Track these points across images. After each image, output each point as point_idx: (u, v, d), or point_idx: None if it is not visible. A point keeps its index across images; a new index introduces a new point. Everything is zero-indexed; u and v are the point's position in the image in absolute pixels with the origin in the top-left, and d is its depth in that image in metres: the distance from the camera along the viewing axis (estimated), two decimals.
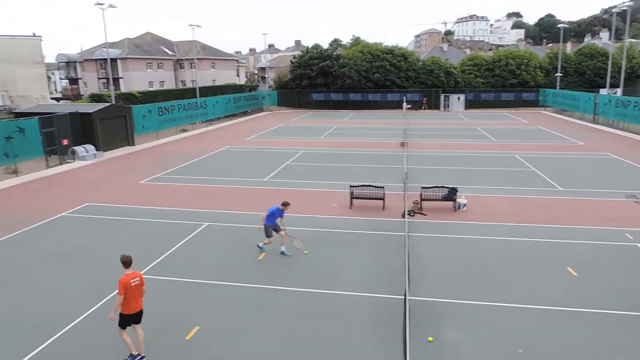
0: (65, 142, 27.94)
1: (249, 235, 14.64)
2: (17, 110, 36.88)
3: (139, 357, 8.55)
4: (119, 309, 8.33)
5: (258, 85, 72.71)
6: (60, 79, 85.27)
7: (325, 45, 75.57)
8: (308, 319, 9.91)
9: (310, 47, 67.04)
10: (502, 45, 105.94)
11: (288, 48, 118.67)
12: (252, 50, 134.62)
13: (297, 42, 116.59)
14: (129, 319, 8.41)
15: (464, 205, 17.17)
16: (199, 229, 15.31)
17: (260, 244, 13.42)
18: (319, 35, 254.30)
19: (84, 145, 29.31)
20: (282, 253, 12.99)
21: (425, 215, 16.51)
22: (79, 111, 29.99)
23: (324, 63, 62.56)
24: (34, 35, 63.75)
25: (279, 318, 9.98)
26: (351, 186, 18.15)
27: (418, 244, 13.71)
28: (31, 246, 14.03)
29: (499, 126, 43.22)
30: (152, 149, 33.53)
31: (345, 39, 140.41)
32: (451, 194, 17.31)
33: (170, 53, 76.97)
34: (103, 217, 16.90)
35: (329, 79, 63.19)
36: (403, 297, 10.07)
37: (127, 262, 8.42)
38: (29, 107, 36.59)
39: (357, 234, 14.69)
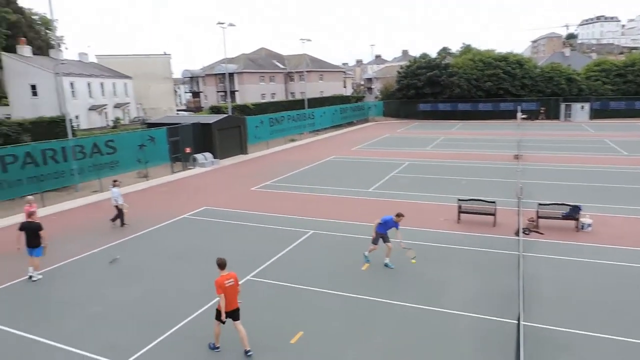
0: (187, 150, 30.50)
1: (353, 244, 14.67)
2: (148, 121, 41.14)
3: (245, 351, 8.97)
4: (220, 304, 8.77)
5: (364, 96, 73.23)
6: (185, 92, 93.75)
7: (433, 54, 73.91)
8: (412, 335, 9.65)
9: (417, 56, 65.99)
10: (636, 48, 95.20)
11: (395, 58, 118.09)
12: (359, 62, 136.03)
13: (404, 52, 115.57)
14: (230, 314, 8.83)
15: (589, 225, 15.60)
16: (305, 236, 15.65)
17: (366, 252, 13.37)
18: (427, 44, 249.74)
19: (203, 153, 31.72)
20: (386, 265, 12.82)
21: (542, 234, 15.29)
22: (200, 122, 32.59)
23: (432, 72, 61.13)
24: (165, 54, 70.80)
25: (383, 330, 9.82)
26: (459, 200, 17.43)
27: (533, 265, 12.71)
28: (155, 244, 15.43)
29: (631, 138, 38.75)
30: (263, 157, 35.19)
31: (455, 47, 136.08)
32: (573, 212, 15.84)
33: (282, 66, 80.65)
34: (218, 220, 18.07)
35: (436, 89, 61.58)
36: (516, 321, 9.38)
37: (221, 265, 8.83)
38: (158, 118, 40.58)
39: (465, 250, 14.03)
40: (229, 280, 8.81)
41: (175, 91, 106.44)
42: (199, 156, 31.19)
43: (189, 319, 10.32)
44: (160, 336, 9.69)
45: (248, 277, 12.41)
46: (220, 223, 17.68)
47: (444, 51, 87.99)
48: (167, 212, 19.32)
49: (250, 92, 74.93)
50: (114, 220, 17.09)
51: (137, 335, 9.73)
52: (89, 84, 59.15)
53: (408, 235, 15.27)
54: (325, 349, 9.26)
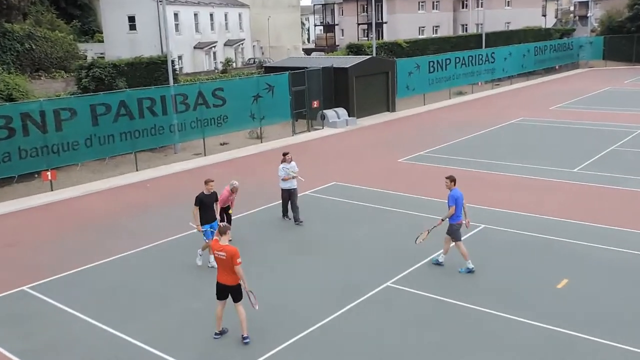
0: (315, 104, 31.44)
1: (544, 248, 14.10)
2: (267, 64, 43.12)
3: (242, 337, 10.39)
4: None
5: (574, 29, 68.13)
6: (315, 25, 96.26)
7: None
8: None
9: None
10: None
11: None
12: None
13: None
14: (220, 288, 10.31)
15: None
16: (472, 232, 15.34)
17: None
18: None
19: (335, 109, 32.49)
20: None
21: None
22: (333, 66, 33.26)
23: None
24: None
25: None
26: None
27: None
28: (275, 231, 16.25)
29: None
30: (417, 117, 35.00)
31: None
32: None
33: None
34: (351, 201, 18.40)
35: None
36: None
37: (219, 232, 10.30)
38: (280, 60, 42.28)
39: None
40: (220, 253, 10.08)
41: (303, 24, 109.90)
42: (329, 113, 31.95)
43: (327, 319, 10.70)
44: (298, 334, 10.24)
45: (388, 284, 12.46)
46: (353, 206, 18.02)
47: None
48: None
49: (403, 25, 74.22)
50: (284, 213, 16.86)
51: (275, 331, 10.36)
52: (195, 15, 63.55)
53: (628, 242, 14.09)
54: None
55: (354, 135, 29.89)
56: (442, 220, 13.16)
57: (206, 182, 13.65)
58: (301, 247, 14.80)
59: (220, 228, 10.35)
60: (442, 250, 13.50)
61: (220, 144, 27.82)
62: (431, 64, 40.03)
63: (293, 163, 16.54)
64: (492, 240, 14.94)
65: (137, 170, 23.54)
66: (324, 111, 31.81)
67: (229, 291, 10.25)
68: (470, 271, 12.94)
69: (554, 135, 27.86)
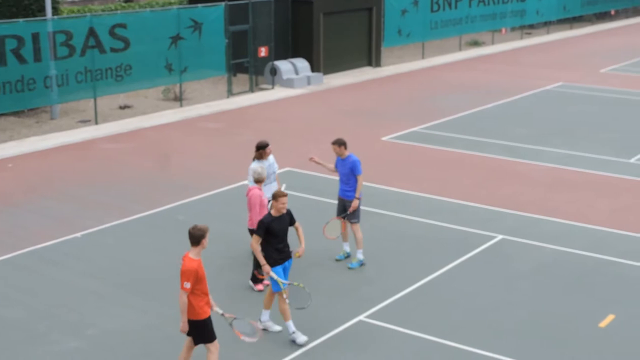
0: (263, 51, 31.27)
1: (583, 270, 14.37)
2: None
3: None
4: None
5: None
6: None
7: None
8: None
9: None
10: None
11: None
12: None
13: None
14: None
15: None
16: (486, 245, 15.60)
17: None
18: None
19: (292, 60, 32.38)
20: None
21: None
22: None
23: None
24: None
25: None
26: None
27: None
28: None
29: None
30: (412, 76, 35.10)
31: None
32: None
33: None
34: (311, 196, 18.49)
35: None
36: None
37: (190, 237, 10.01)
38: None
39: None
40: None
41: None
42: (284, 66, 31.83)
43: None
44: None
45: (360, 318, 12.51)
46: (313, 203, 18.07)
47: None
48: (214, 172, 20.22)
49: None
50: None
51: None
52: None
53: None
54: None
55: (319, 99, 29.81)
56: (359, 199, 14.36)
57: (276, 198, 11.74)
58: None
59: (190, 232, 10.00)
60: (346, 245, 14.67)
61: (120, 108, 27.46)
62: (434, 0, 40.16)
63: (271, 158, 15.16)
64: (514, 258, 15.09)
65: None
66: (276, 63, 31.66)
67: (190, 327, 10.08)
68: (362, 264, 14.23)
69: (604, 110, 28.15)
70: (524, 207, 17.85)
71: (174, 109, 27.72)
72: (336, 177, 14.93)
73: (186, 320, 9.86)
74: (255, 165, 14.07)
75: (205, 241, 9.91)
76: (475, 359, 11.30)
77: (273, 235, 11.67)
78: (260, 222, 11.65)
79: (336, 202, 15.06)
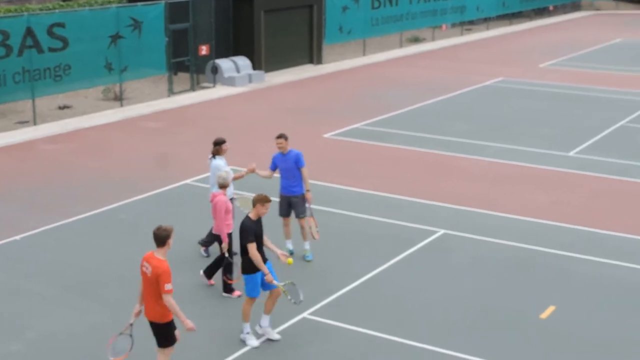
0: (204, 50, 31.14)
1: (524, 263, 14.58)
2: None
3: None
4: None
5: None
6: None
7: None
8: None
9: None
10: None
11: None
12: None
13: None
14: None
15: None
16: (427, 240, 15.73)
17: None
18: None
19: (233, 59, 32.33)
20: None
21: None
22: None
23: None
24: None
25: None
26: None
27: None
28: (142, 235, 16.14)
29: None
30: (354, 72, 35.25)
31: None
32: None
33: None
34: (252, 194, 18.28)
35: None
36: None
37: (155, 238, 9.88)
38: None
39: None
40: (146, 266, 9.84)
41: None
42: (225, 64, 31.75)
43: None
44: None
45: (303, 315, 12.55)
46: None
47: None
48: (156, 171, 20.09)
49: None
50: (207, 243, 15.28)
51: None
52: None
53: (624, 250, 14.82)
54: None
55: (261, 97, 29.80)
56: (309, 191, 14.73)
57: (262, 202, 11.64)
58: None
59: (155, 233, 9.86)
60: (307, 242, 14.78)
61: (60, 108, 27.12)
62: None
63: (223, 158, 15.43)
64: (456, 252, 15.27)
65: None
66: (217, 61, 31.54)
67: (153, 329, 9.95)
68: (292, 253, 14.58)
69: (543, 105, 28.62)
70: (465, 201, 18.06)
71: (114, 109, 27.48)
72: (274, 175, 14.85)
73: (185, 318, 9.67)
74: (220, 164, 14.58)
75: (171, 241, 9.84)
76: (420, 353, 11.39)
77: (256, 239, 11.51)
78: (248, 228, 11.35)
79: (277, 199, 14.97)
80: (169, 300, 9.55)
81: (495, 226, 16.61)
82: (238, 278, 11.99)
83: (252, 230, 11.26)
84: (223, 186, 13.38)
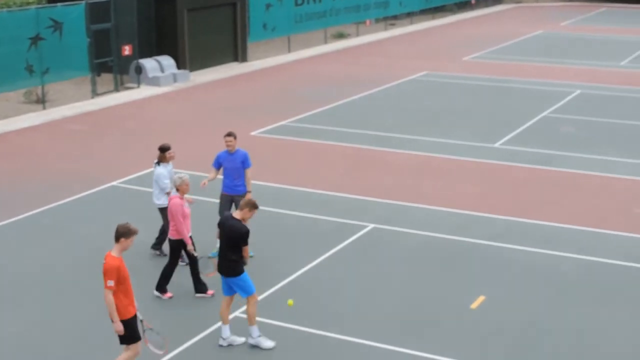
0: (127, 50, 30.80)
1: (453, 254, 14.81)
2: None
3: None
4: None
5: None
6: None
7: None
8: None
9: None
10: None
11: None
12: None
13: None
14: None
15: None
16: (357, 235, 15.85)
17: None
18: None
19: (157, 58, 32.03)
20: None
21: None
22: None
23: None
24: None
25: None
26: None
27: None
28: (68, 235, 15.84)
29: None
30: (279, 70, 35.25)
31: None
32: None
33: None
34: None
35: None
36: None
37: (117, 234, 9.93)
38: None
39: None
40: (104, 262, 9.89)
41: None
42: (149, 64, 31.43)
43: None
44: None
45: (235, 314, 12.51)
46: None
47: None
48: (78, 178, 19.74)
49: None
50: (158, 245, 15.18)
51: None
52: None
53: (577, 241, 15.23)
54: None
55: (186, 96, 29.60)
56: (250, 191, 14.66)
57: (255, 208, 11.60)
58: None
59: (118, 229, 9.91)
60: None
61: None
62: None
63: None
64: (386, 245, 15.45)
65: None
66: (141, 61, 31.24)
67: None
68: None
69: (468, 97, 28.99)
70: (393, 195, 18.23)
71: (37, 112, 26.99)
72: (202, 174, 14.75)
73: (118, 319, 9.61)
74: (162, 172, 14.57)
75: (126, 242, 9.77)
76: (355, 347, 11.49)
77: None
78: (248, 232, 11.30)
79: (217, 200, 14.96)
80: (107, 296, 9.53)
81: (424, 219, 16.82)
82: (215, 271, 11.84)
83: (248, 234, 11.37)
84: (180, 189, 13.07)
